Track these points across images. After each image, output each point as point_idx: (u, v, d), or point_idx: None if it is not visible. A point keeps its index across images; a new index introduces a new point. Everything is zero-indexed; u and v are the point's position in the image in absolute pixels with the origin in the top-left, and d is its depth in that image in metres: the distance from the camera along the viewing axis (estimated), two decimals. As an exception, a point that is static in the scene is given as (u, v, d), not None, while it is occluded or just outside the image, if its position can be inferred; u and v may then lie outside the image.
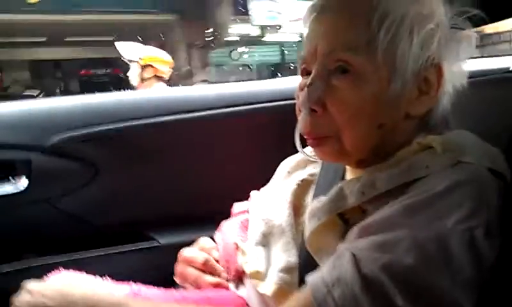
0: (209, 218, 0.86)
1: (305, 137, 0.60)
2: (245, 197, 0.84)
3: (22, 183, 1.01)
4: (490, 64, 0.94)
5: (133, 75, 2.75)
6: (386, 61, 0.54)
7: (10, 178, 1.02)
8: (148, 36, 8.17)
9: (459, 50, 0.58)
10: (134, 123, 1.07)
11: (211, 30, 10.36)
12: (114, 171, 1.07)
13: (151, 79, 2.73)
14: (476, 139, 0.57)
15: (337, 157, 0.59)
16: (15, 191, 1.00)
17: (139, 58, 2.73)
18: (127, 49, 2.80)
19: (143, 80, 2.73)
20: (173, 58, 2.93)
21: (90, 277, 0.71)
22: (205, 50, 10.55)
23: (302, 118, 0.58)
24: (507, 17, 0.82)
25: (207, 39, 10.50)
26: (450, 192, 0.49)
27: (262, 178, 0.81)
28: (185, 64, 9.62)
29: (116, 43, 2.85)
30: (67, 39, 10.63)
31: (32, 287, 0.61)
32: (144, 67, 2.73)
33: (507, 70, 0.81)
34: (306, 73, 0.60)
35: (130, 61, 2.73)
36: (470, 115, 0.69)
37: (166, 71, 2.80)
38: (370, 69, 0.54)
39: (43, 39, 10.50)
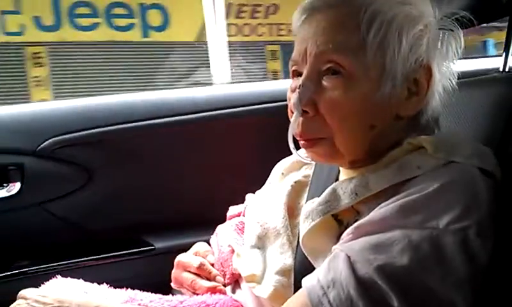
0: (206, 222, 0.85)
1: (297, 139, 0.60)
2: (242, 201, 0.83)
3: (15, 187, 1.00)
4: (480, 65, 0.95)
5: None
6: (376, 63, 0.55)
7: (3, 182, 1.01)
8: None
9: (448, 51, 0.59)
10: (128, 126, 1.06)
11: None
12: (108, 175, 1.06)
13: None
14: (466, 139, 0.58)
15: (330, 158, 0.60)
16: (8, 195, 0.99)
17: None
18: None
19: None
20: None
21: (87, 283, 0.71)
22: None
23: (294, 120, 0.58)
24: (494, 19, 0.83)
25: None
26: (442, 192, 0.49)
27: (258, 183, 0.80)
28: None
29: None
30: None
31: (28, 294, 0.60)
32: None
33: (496, 71, 0.82)
34: (297, 74, 0.61)
35: None
36: (460, 116, 0.69)
37: None
38: (360, 70, 0.55)
39: None
